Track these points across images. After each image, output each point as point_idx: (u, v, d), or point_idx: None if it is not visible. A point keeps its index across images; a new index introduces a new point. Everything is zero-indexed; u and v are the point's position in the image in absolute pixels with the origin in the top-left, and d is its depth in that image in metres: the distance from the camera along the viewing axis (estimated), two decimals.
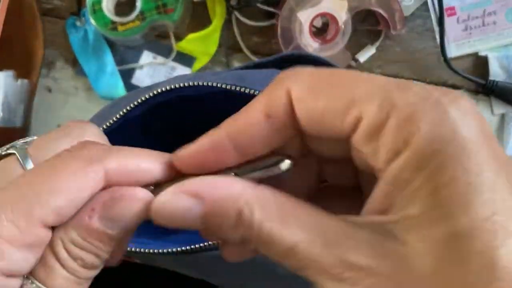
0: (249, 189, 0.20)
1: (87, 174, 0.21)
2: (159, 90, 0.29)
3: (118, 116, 0.29)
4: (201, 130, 0.42)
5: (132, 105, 0.29)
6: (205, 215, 0.20)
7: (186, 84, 0.29)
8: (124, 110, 0.29)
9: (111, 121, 0.29)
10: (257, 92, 0.28)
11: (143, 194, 0.22)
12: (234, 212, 0.20)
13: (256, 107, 0.21)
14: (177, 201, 0.21)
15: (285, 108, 0.20)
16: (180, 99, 0.30)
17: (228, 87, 0.28)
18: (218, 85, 0.28)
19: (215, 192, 0.20)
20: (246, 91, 0.28)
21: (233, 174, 0.22)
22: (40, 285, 0.22)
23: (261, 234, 0.19)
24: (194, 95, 0.30)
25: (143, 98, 0.29)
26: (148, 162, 0.23)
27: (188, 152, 0.22)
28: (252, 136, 0.21)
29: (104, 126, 0.30)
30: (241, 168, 0.22)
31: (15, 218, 0.20)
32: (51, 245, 0.22)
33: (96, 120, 0.32)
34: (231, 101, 0.33)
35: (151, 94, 0.29)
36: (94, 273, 0.23)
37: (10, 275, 0.21)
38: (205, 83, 0.29)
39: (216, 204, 0.20)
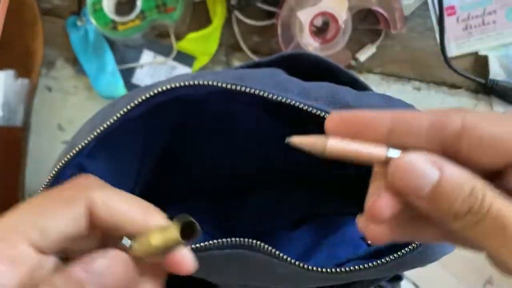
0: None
1: (72, 203, 0.24)
2: (159, 89, 0.29)
3: (118, 115, 0.29)
4: (202, 133, 0.42)
5: (132, 104, 0.29)
6: (439, 185, 0.22)
7: (185, 83, 0.28)
8: (125, 109, 0.29)
9: (111, 120, 0.29)
10: (257, 91, 0.28)
11: None
12: (468, 187, 0.21)
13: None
14: (419, 164, 0.22)
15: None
16: (179, 99, 0.30)
17: (229, 86, 0.28)
18: (218, 84, 0.28)
19: (455, 168, 0.22)
20: (246, 90, 0.28)
21: None
22: None
23: (491, 211, 0.21)
24: (194, 94, 0.29)
25: (143, 98, 0.29)
26: (133, 212, 0.25)
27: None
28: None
29: (105, 125, 0.29)
30: None
31: (2, 234, 0.22)
32: None
33: (96, 119, 0.32)
34: (232, 101, 0.33)
35: (151, 93, 0.29)
36: None
37: None
38: (204, 82, 0.28)
39: (454, 176, 0.22)
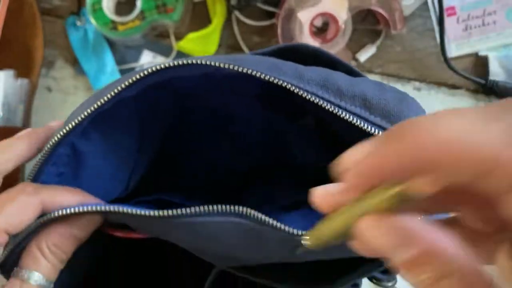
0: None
1: (30, 205, 0.31)
2: (151, 69, 0.28)
3: (111, 94, 0.29)
4: (199, 128, 0.42)
5: (123, 85, 0.28)
6: (414, 260, 0.18)
7: (178, 63, 0.28)
8: (118, 88, 0.28)
9: (105, 98, 0.29)
10: (250, 71, 0.28)
11: None
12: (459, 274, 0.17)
13: None
14: (381, 235, 0.18)
15: None
16: (173, 81, 0.29)
17: (222, 65, 0.28)
18: (211, 63, 0.28)
19: (430, 242, 0.18)
20: (239, 70, 0.28)
21: None
22: (27, 271, 0.31)
23: None
24: (187, 76, 0.29)
25: (135, 77, 0.28)
26: (69, 200, 0.32)
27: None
28: None
29: (98, 103, 0.29)
30: None
31: None
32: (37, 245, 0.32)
33: (89, 101, 0.32)
34: (225, 82, 0.32)
35: (144, 73, 0.28)
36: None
37: None
38: (198, 61, 0.28)
39: (428, 254, 0.17)
